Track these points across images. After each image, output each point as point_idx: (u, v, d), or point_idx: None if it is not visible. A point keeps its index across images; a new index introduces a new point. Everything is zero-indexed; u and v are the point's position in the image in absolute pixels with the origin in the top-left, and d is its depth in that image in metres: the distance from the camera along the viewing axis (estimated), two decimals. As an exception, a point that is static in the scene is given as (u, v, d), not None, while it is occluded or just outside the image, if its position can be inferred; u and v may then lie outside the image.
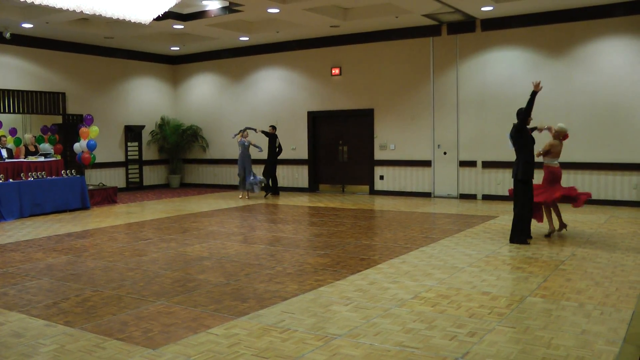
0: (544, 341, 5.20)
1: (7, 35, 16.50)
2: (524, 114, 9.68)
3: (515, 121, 9.91)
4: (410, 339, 5.32)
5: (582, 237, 10.35)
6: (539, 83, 9.76)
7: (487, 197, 16.29)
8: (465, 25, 16.27)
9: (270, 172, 18.37)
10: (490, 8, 14.66)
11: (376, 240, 10.53)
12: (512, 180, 10.02)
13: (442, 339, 5.31)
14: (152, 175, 21.83)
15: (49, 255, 9.75)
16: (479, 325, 5.64)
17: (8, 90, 17.34)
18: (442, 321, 5.80)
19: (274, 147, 18.27)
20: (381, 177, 18.06)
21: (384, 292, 6.94)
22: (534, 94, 9.68)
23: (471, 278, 7.51)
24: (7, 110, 17.32)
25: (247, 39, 18.63)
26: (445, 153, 16.85)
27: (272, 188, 18.52)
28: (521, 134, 9.77)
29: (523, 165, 9.70)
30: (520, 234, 9.81)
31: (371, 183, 18.31)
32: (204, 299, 6.79)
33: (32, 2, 11.29)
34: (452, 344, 5.16)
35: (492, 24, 15.91)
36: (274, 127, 18.46)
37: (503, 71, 15.94)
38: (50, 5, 11.34)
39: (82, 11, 12.05)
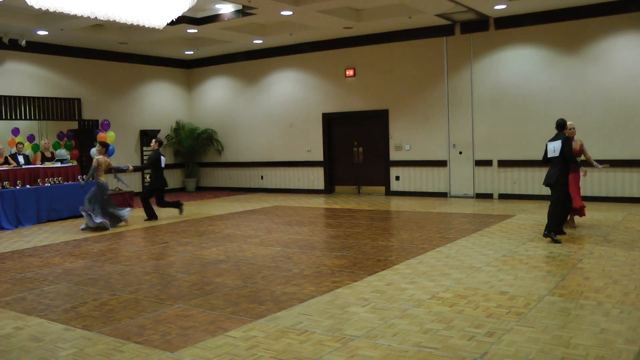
0: (562, 340, 5.17)
1: (23, 42, 16.62)
2: (571, 156, 10.04)
3: (551, 127, 10.46)
4: (428, 340, 5.31)
5: (600, 235, 10.28)
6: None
7: (503, 197, 16.22)
8: (478, 24, 16.21)
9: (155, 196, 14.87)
10: (504, 6, 14.60)
11: (393, 241, 10.51)
12: (549, 186, 10.14)
13: (461, 339, 5.30)
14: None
15: (66, 260, 9.81)
16: (497, 325, 5.62)
17: (24, 97, 17.46)
18: (460, 321, 5.78)
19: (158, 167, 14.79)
20: (397, 178, 18.03)
21: (402, 292, 6.93)
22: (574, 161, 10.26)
23: (488, 278, 7.49)
24: (23, 117, 17.44)
25: (260, 41, 18.66)
26: (460, 153, 16.80)
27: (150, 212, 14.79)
28: (567, 151, 9.94)
29: (565, 173, 9.94)
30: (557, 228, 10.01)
31: (387, 184, 18.28)
32: (222, 302, 6.81)
33: (47, 9, 11.37)
34: (471, 344, 5.15)
35: (506, 22, 15.85)
36: (159, 142, 14.97)
37: (517, 69, 15.87)
38: (65, 12, 11.40)
39: (96, 17, 12.12)
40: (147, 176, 16.93)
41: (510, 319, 5.79)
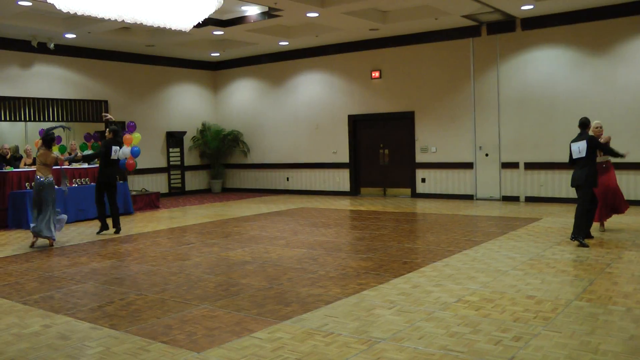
0: (591, 347, 5.11)
1: (51, 46, 16.83)
2: (602, 146, 10.11)
3: (578, 129, 10.10)
4: (454, 343, 5.28)
5: (628, 240, 10.16)
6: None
7: (530, 199, 16.09)
8: (505, 25, 16.11)
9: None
10: (531, 7, 14.50)
11: (419, 244, 10.48)
12: (576, 187, 10.06)
13: (487, 343, 5.26)
14: (194, 181, 22.02)
15: (93, 260, 9.90)
16: (524, 330, 5.57)
17: (52, 99, 17.68)
18: (486, 325, 5.74)
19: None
20: (423, 180, 17.97)
21: (428, 295, 6.90)
22: (614, 152, 10.31)
23: (515, 281, 7.43)
24: (51, 119, 17.64)
25: (286, 43, 18.70)
26: (487, 155, 16.70)
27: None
28: (594, 150, 9.90)
29: (594, 174, 9.87)
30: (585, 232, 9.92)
31: (413, 186, 18.22)
32: (247, 303, 6.82)
33: (75, 12, 11.48)
34: (497, 349, 5.11)
35: (533, 22, 15.73)
36: (113, 131, 13.29)
37: (544, 70, 15.74)
38: (92, 15, 11.50)
39: (123, 20, 12.19)
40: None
41: (537, 324, 5.74)
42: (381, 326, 5.83)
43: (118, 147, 13.03)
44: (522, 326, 5.68)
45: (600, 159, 10.57)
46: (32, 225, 11.23)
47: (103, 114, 13.62)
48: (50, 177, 11.31)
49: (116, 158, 13.06)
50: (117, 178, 13.25)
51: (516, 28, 16.02)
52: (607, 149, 10.14)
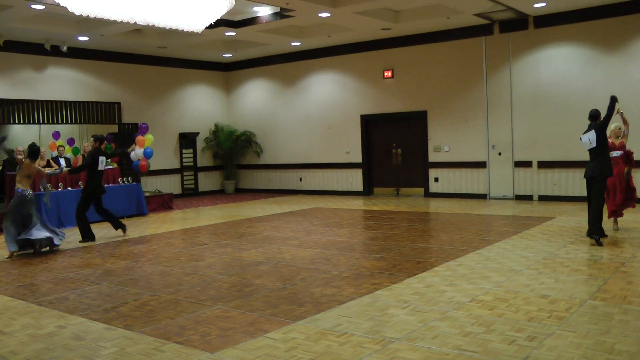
0: (606, 346, 5.08)
1: (64, 48, 16.94)
2: (607, 118, 9.81)
3: (588, 122, 10.04)
4: (468, 343, 5.26)
5: (644, 238, 10.12)
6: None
7: (543, 198, 16.03)
8: (517, 23, 16.06)
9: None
10: (543, 4, 14.45)
11: (432, 243, 10.46)
12: (587, 179, 9.97)
13: (501, 343, 5.24)
14: (207, 182, 22.07)
15: (107, 261, 9.95)
16: (538, 329, 5.55)
17: (66, 102, 17.77)
18: (500, 325, 5.73)
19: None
20: (436, 180, 17.94)
21: (441, 295, 6.89)
22: (613, 100, 9.95)
23: (529, 281, 7.40)
24: (65, 121, 17.74)
25: (298, 43, 18.71)
26: (500, 154, 16.65)
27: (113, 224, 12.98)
28: (603, 134, 9.80)
29: (608, 163, 9.77)
30: (600, 229, 9.80)
31: (426, 185, 18.19)
32: (261, 304, 6.84)
33: (87, 15, 11.54)
34: (512, 349, 5.09)
35: (545, 20, 15.67)
36: (98, 139, 12.65)
37: (557, 68, 15.67)
38: (105, 18, 11.56)
39: (135, 22, 12.26)
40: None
41: (551, 323, 5.71)
42: (395, 326, 5.83)
43: (104, 157, 12.56)
44: (536, 326, 5.66)
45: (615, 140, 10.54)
46: (17, 238, 10.61)
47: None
48: (31, 191, 10.95)
49: (103, 169, 12.54)
50: (104, 191, 12.59)
51: (528, 26, 15.96)
52: (609, 111, 9.81)
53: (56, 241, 11.02)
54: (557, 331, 5.49)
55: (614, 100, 9.90)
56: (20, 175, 10.85)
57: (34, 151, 11.09)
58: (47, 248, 11.09)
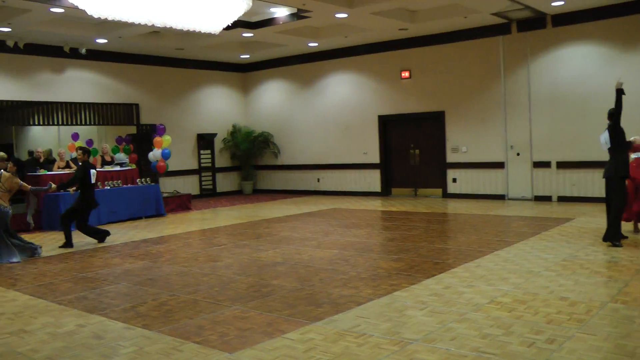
0: (627, 350, 5.03)
1: (83, 51, 17.07)
2: (617, 113, 9.63)
3: (607, 122, 9.85)
4: (487, 345, 5.24)
5: (664, 239, 10.03)
6: (619, 82, 9.67)
7: (562, 199, 15.92)
8: (535, 21, 15.96)
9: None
10: (561, 3, 14.35)
11: (450, 244, 10.43)
12: (605, 179, 9.77)
13: (520, 345, 5.22)
14: (225, 182, 22.14)
15: (125, 261, 10.01)
16: (557, 332, 5.52)
17: (84, 103, 17.89)
18: (519, 327, 5.70)
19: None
20: (454, 180, 17.87)
21: (459, 296, 6.87)
22: (618, 92, 9.64)
23: (548, 283, 7.35)
24: (83, 123, 17.86)
25: (315, 44, 18.72)
26: (518, 154, 16.56)
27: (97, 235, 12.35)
28: (617, 132, 9.62)
29: (623, 162, 9.61)
30: (619, 232, 9.66)
31: (444, 186, 18.14)
32: (279, 304, 6.85)
33: (106, 18, 11.61)
34: (530, 351, 5.07)
35: (563, 19, 15.55)
36: (85, 151, 12.15)
37: (576, 67, 15.56)
38: (123, 20, 11.63)
39: (153, 25, 12.32)
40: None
41: (571, 326, 5.67)
42: (413, 327, 5.82)
43: (95, 170, 12.00)
44: (556, 328, 5.62)
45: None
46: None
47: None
48: (9, 208, 10.42)
49: (94, 182, 12.00)
50: (97, 204, 12.19)
51: (547, 25, 15.86)
52: (617, 105, 9.60)
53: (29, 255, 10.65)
54: (577, 334, 5.45)
55: (620, 93, 9.69)
56: (1, 191, 10.30)
57: (18, 164, 10.68)
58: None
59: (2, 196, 10.30)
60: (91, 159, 16.38)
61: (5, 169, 10.62)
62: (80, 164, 11.99)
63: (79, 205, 11.81)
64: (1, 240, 10.24)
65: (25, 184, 10.82)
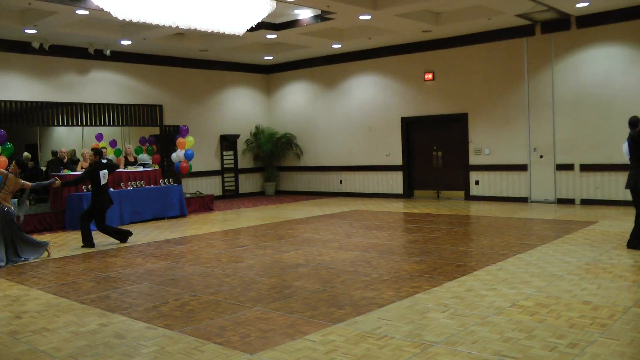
0: (650, 354, 5.00)
1: (108, 52, 17.22)
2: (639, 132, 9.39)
3: (629, 130, 9.65)
4: (509, 349, 5.22)
5: (690, 243, 9.91)
6: None
7: (585, 202, 15.79)
8: (559, 23, 15.85)
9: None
10: (586, 4, 14.23)
11: (472, 247, 10.39)
12: (630, 190, 9.62)
13: (542, 349, 5.19)
14: (248, 183, 22.21)
15: (148, 261, 10.08)
16: (580, 337, 5.48)
17: (108, 104, 18.04)
18: (541, 331, 5.67)
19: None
20: (476, 182, 17.80)
21: (481, 299, 6.84)
22: None
23: (571, 286, 7.30)
24: (107, 123, 18.01)
25: (339, 46, 18.73)
26: (541, 156, 16.45)
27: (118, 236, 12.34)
28: (638, 145, 9.41)
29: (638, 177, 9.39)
30: None
31: (466, 188, 18.06)
32: (301, 306, 6.86)
33: (131, 20, 11.70)
34: (552, 355, 5.03)
35: (588, 20, 15.43)
36: (97, 152, 12.18)
37: (601, 69, 15.42)
38: (148, 22, 11.72)
39: (177, 26, 12.41)
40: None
41: (594, 330, 5.63)
42: (434, 330, 5.81)
43: (106, 171, 12.01)
44: (578, 332, 5.58)
45: None
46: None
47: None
48: (11, 207, 10.44)
49: (105, 183, 11.98)
50: (111, 203, 12.19)
51: (571, 26, 15.75)
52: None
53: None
54: (600, 339, 5.41)
55: None
56: (5, 193, 10.26)
57: (23, 165, 10.70)
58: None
59: (5, 197, 10.28)
60: (114, 160, 16.59)
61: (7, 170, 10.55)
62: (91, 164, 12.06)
63: (93, 206, 11.86)
64: (2, 242, 10.17)
65: (27, 182, 10.79)
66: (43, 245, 10.80)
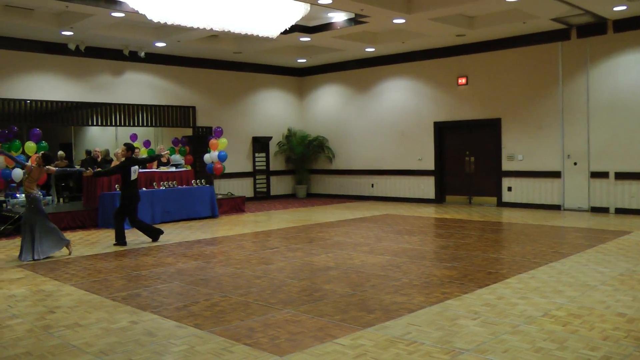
0: (686, 366, 4.91)
1: (142, 54, 17.39)
2: None
3: None
4: (540, 359, 5.15)
5: None
6: None
7: (620, 211, 15.56)
8: (596, 27, 15.63)
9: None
10: (624, 7, 14.00)
11: (504, 254, 10.30)
12: None
13: None
14: (279, 186, 22.26)
15: (179, 260, 10.14)
16: (614, 350, 5.37)
17: (142, 105, 18.21)
18: (573, 342, 5.58)
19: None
20: (509, 189, 17.64)
21: (513, 307, 6.77)
22: None
23: (604, 297, 7.19)
24: (141, 124, 18.18)
25: (372, 49, 18.70)
26: (575, 163, 16.26)
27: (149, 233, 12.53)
28: None
29: None
30: None
31: (499, 194, 17.91)
32: (330, 309, 6.85)
33: (165, 22, 11.80)
34: (585, 365, 4.97)
35: (626, 24, 15.19)
36: (129, 147, 12.28)
37: (637, 74, 15.15)
38: (182, 25, 11.80)
39: (212, 29, 12.48)
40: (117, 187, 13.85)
41: (628, 344, 5.53)
42: (465, 337, 5.76)
43: (137, 167, 12.13)
44: (612, 345, 5.48)
45: None
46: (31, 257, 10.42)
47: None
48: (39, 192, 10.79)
49: (135, 178, 12.06)
50: (139, 199, 12.33)
51: (607, 30, 15.52)
52: None
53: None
54: (634, 352, 5.30)
55: None
56: (29, 181, 10.56)
57: (48, 158, 10.84)
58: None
59: (30, 185, 10.54)
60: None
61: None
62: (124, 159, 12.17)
63: (122, 202, 12.03)
64: (29, 235, 10.43)
65: (52, 167, 11.02)
66: (64, 240, 10.86)
